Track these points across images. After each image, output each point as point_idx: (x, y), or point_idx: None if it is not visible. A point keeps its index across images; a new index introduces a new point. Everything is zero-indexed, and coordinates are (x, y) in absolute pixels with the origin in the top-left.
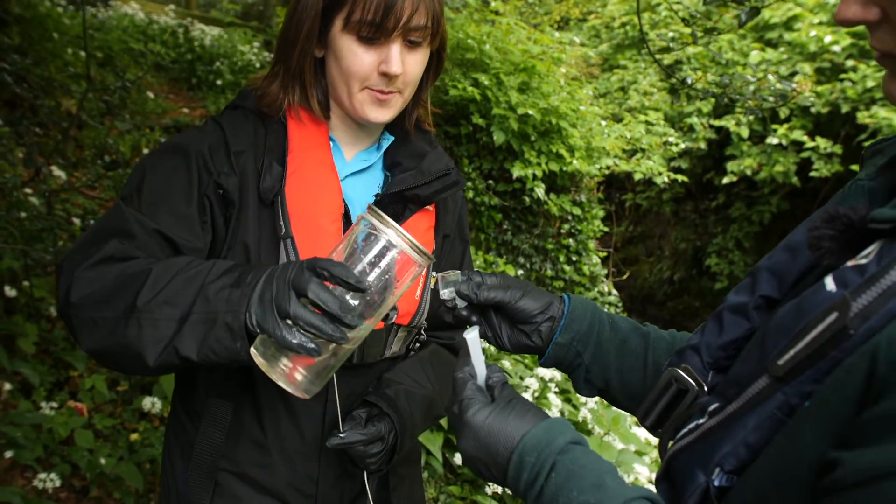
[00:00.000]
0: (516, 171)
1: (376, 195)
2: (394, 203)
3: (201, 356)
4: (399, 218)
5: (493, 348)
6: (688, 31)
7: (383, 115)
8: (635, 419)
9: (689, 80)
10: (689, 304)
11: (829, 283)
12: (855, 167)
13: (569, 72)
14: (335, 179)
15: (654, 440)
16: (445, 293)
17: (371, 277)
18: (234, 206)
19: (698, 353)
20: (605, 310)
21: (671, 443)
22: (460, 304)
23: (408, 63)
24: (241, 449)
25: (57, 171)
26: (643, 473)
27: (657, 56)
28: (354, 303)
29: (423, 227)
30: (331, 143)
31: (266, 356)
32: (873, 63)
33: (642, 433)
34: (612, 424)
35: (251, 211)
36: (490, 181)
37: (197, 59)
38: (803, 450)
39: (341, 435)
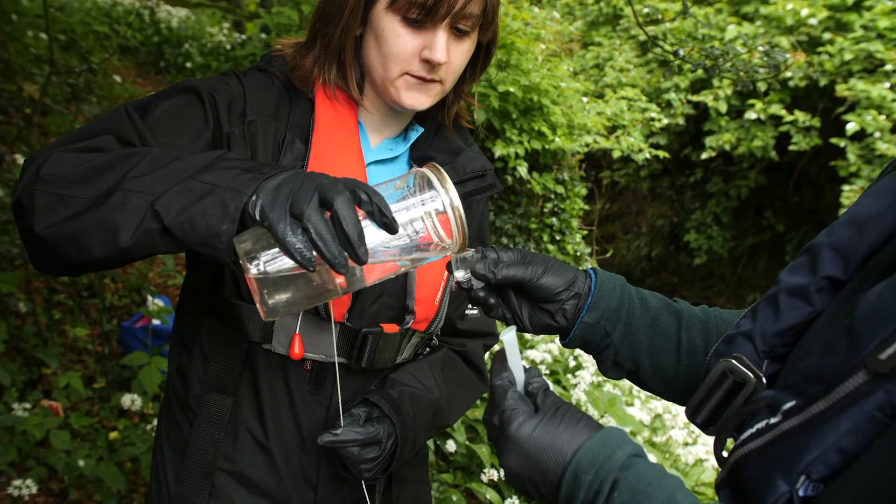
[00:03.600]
0: (498, 150)
1: None
2: None
3: (175, 222)
4: None
5: None
6: (664, 6)
7: (421, 101)
8: (627, 399)
9: (681, 52)
10: (668, 281)
11: None
12: (835, 140)
13: (548, 48)
14: (361, 166)
15: (648, 419)
16: (459, 274)
17: (400, 229)
18: None
19: (751, 340)
20: None
21: (731, 442)
22: (476, 284)
23: (453, 52)
24: (241, 448)
25: (21, 160)
26: None
27: (645, 27)
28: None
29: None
30: (359, 127)
31: (249, 251)
32: (851, 35)
33: (638, 414)
34: (608, 406)
35: None
36: None
37: (164, 42)
38: None
39: (336, 432)
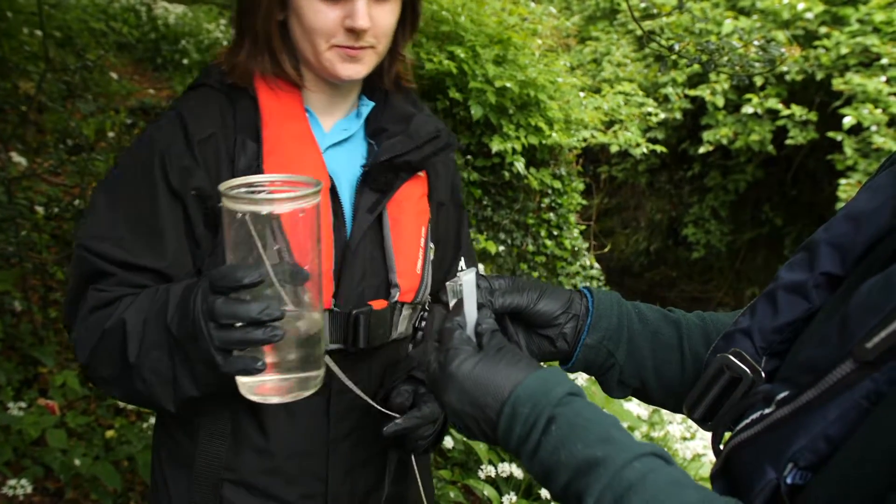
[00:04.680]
0: (495, 146)
1: (363, 165)
2: (384, 172)
3: (203, 391)
4: (391, 187)
5: None
6: (660, 0)
7: (356, 70)
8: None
9: (676, 47)
10: (667, 275)
11: None
12: (832, 134)
13: (545, 43)
14: (317, 152)
15: (646, 414)
16: (454, 304)
17: (271, 257)
18: (213, 199)
19: (749, 336)
20: (591, 285)
21: (728, 434)
22: None
23: (376, 16)
24: (243, 457)
25: (17, 158)
26: None
27: (640, 23)
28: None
29: (416, 194)
30: (307, 113)
31: (246, 383)
32: (847, 29)
33: (635, 409)
34: (605, 402)
35: None
36: (469, 156)
37: (161, 39)
38: (893, 430)
39: (398, 422)
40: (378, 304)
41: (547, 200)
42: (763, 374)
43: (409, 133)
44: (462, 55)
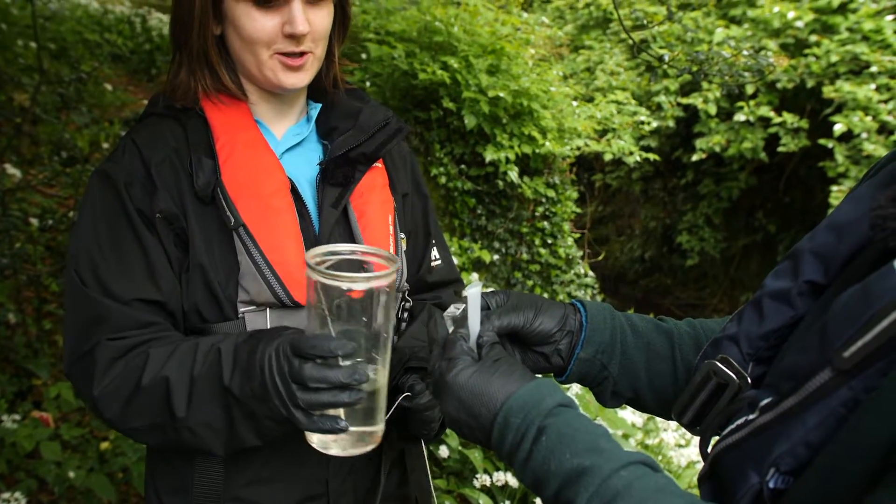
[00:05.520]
0: (489, 155)
1: (320, 163)
2: (341, 167)
3: (265, 440)
4: (351, 181)
5: None
6: (653, 10)
7: (299, 79)
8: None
9: (665, 58)
10: (661, 282)
11: None
12: (823, 141)
13: (537, 52)
14: (272, 155)
15: (640, 422)
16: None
17: (353, 324)
18: (179, 219)
19: (736, 343)
20: (584, 294)
21: (715, 439)
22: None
23: (313, 20)
24: (242, 471)
25: (11, 169)
26: None
27: (630, 33)
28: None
29: (378, 184)
30: (257, 124)
31: (324, 438)
32: (837, 38)
33: (629, 417)
34: (599, 410)
35: (191, 213)
36: (462, 166)
37: (156, 49)
38: (868, 435)
39: (417, 401)
40: (356, 294)
41: (541, 209)
42: (749, 380)
43: (360, 126)
44: (455, 65)
